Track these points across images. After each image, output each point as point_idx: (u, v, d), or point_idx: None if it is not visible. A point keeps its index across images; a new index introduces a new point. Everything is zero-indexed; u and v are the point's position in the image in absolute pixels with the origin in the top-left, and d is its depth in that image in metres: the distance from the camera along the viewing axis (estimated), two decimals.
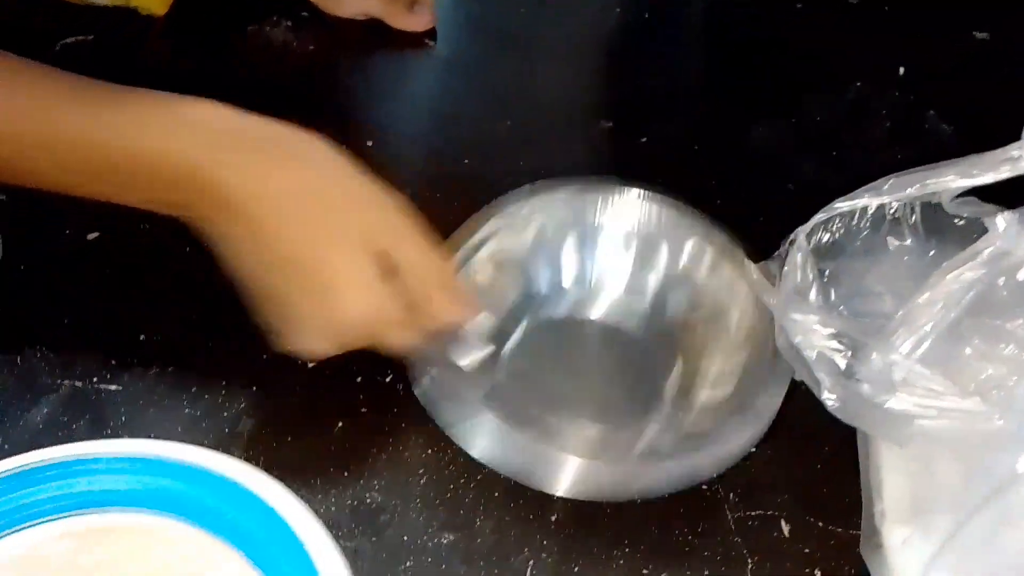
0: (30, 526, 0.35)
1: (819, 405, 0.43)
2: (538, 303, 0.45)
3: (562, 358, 0.44)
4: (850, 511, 0.42)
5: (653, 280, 0.45)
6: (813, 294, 0.34)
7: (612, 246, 0.45)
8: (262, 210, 0.35)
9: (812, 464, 0.45)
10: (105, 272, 0.48)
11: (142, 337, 0.45)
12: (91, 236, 0.49)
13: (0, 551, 0.34)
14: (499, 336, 0.43)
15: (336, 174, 0.37)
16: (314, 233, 0.36)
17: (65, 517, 0.36)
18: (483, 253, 0.43)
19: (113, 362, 0.44)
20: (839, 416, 0.35)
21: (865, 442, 0.38)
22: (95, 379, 0.43)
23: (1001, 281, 0.31)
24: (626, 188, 0.45)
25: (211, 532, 0.35)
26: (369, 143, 0.58)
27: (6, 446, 0.41)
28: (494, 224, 0.44)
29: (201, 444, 0.37)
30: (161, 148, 0.35)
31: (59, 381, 0.43)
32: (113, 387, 0.43)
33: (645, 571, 0.38)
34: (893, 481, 0.37)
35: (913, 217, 0.37)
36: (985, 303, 0.32)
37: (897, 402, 0.32)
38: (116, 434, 0.41)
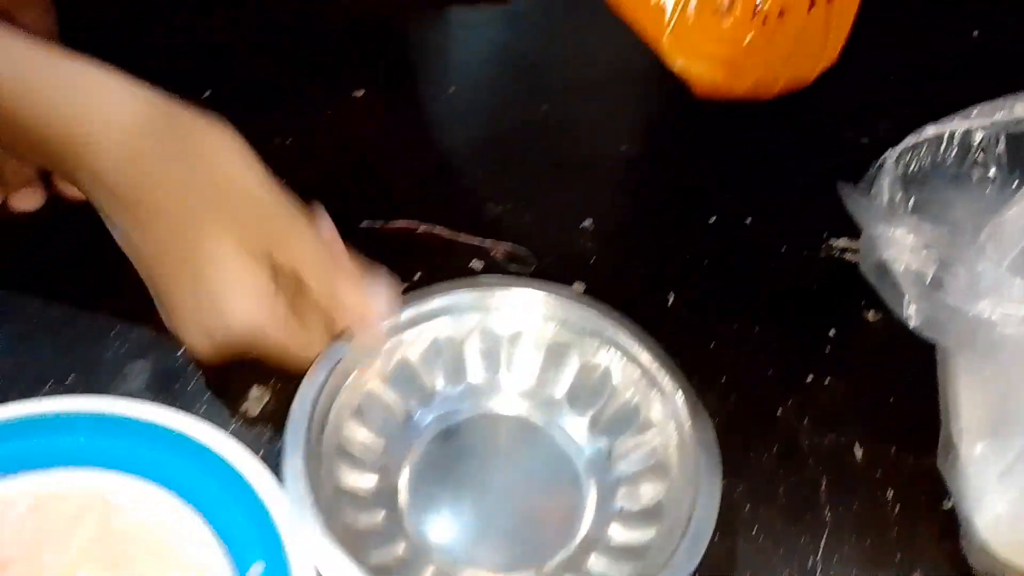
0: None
1: (890, 336, 0.46)
2: (441, 405, 0.44)
3: (472, 467, 0.42)
4: (921, 436, 0.44)
5: (562, 375, 0.44)
6: (902, 211, 0.36)
7: (517, 342, 0.45)
8: (144, 200, 0.35)
9: (884, 392, 0.48)
10: None
11: None
12: None
13: None
14: (399, 451, 0.42)
15: (231, 169, 0.36)
16: (199, 229, 0.35)
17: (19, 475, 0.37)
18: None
19: None
20: (922, 331, 0.38)
21: (944, 362, 0.40)
22: None
23: None
24: (538, 284, 0.45)
25: (163, 487, 0.37)
26: (451, 89, 0.62)
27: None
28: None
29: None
30: (48, 115, 0.35)
31: None
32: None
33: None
34: (971, 399, 0.39)
35: (999, 148, 0.39)
36: None
37: (983, 310, 0.34)
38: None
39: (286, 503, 0.37)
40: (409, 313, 0.44)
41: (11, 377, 0.43)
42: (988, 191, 0.39)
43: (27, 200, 0.50)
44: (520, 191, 0.57)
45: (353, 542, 0.36)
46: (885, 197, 0.37)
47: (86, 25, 0.54)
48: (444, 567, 0.39)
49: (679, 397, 0.42)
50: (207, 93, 0.58)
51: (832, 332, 0.51)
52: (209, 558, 0.36)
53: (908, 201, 0.39)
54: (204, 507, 0.37)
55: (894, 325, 0.50)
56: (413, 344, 0.44)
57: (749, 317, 0.52)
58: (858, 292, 0.52)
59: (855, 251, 0.53)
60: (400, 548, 0.39)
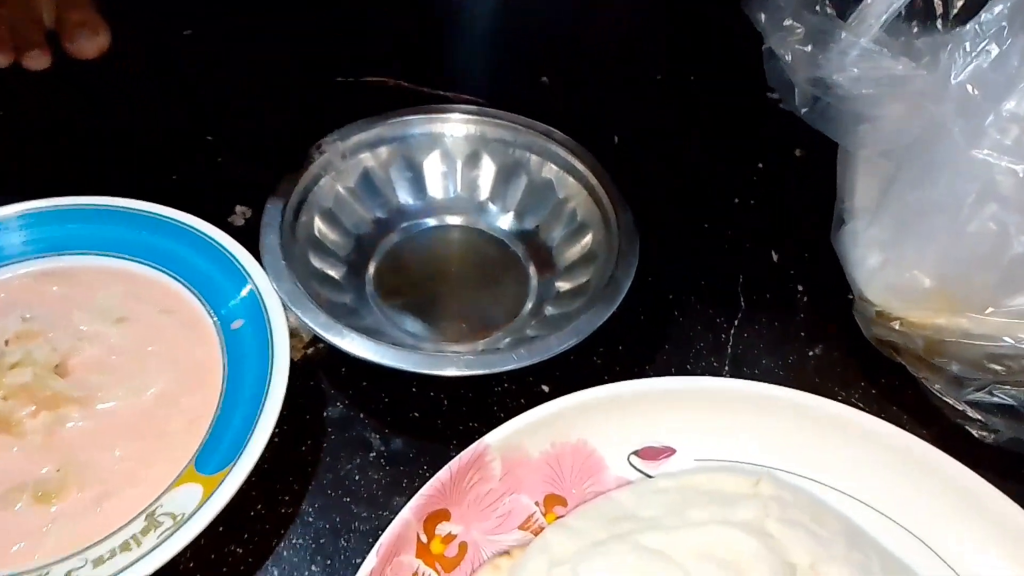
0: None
1: (813, 168, 0.51)
2: (404, 215, 0.50)
3: (430, 266, 0.48)
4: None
5: (514, 189, 0.50)
6: (790, 7, 0.41)
7: (472, 161, 0.51)
8: None
9: (802, 214, 0.54)
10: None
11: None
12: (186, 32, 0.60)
13: None
14: (366, 248, 0.48)
15: None
16: None
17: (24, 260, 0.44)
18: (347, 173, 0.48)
19: None
20: (808, 120, 0.43)
21: (842, 152, 0.46)
22: None
23: None
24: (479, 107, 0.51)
25: (161, 268, 0.44)
26: None
27: None
28: (352, 145, 0.49)
29: None
30: None
31: None
32: None
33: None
34: (862, 181, 0.44)
35: None
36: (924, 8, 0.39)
37: (849, 80, 0.39)
38: None
39: (258, 265, 0.43)
40: (374, 132, 0.50)
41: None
42: None
43: (37, 60, 0.57)
44: (482, 52, 0.63)
45: (324, 311, 0.43)
46: (778, 1, 0.42)
47: None
48: (402, 337, 0.45)
49: (607, 199, 0.48)
50: None
51: (760, 165, 0.57)
52: (199, 313, 0.43)
53: (797, 6, 0.44)
54: (193, 280, 0.44)
55: (817, 158, 0.56)
56: (378, 160, 0.50)
57: (688, 151, 0.58)
58: (789, 134, 0.58)
59: None
60: (367, 320, 0.45)
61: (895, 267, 0.41)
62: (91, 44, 0.58)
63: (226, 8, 0.63)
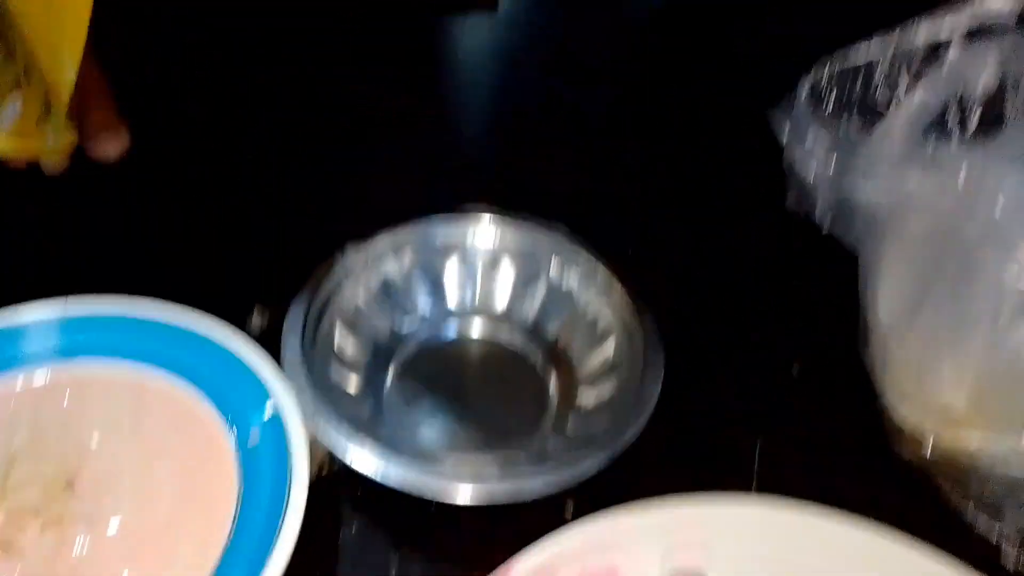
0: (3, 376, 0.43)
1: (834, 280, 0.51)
2: (423, 323, 0.49)
3: (448, 377, 0.48)
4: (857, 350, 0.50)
5: (532, 297, 0.50)
6: (813, 125, 0.42)
7: (492, 269, 0.50)
8: None
9: (816, 317, 0.53)
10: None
11: None
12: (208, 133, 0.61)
13: None
14: (383, 360, 0.47)
15: None
16: None
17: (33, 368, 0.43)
18: (366, 281, 0.48)
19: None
20: (835, 232, 0.43)
21: (864, 260, 0.45)
22: None
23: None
24: (499, 214, 0.51)
25: (175, 375, 0.43)
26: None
27: None
28: (373, 253, 0.48)
29: None
30: None
31: None
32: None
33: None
34: (885, 289, 0.44)
35: (900, 76, 0.45)
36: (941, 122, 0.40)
37: (872, 197, 0.39)
38: None
39: (282, 383, 0.42)
40: (399, 238, 0.50)
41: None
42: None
43: (109, 146, 0.57)
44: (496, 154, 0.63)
45: (343, 425, 0.42)
46: (799, 118, 0.43)
47: None
48: (421, 450, 0.44)
49: (629, 308, 0.47)
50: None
51: (779, 273, 0.57)
52: (215, 428, 0.42)
53: (819, 123, 0.45)
54: (211, 390, 0.43)
55: (838, 268, 0.56)
56: (401, 265, 0.50)
57: (703, 261, 0.57)
58: (809, 244, 0.58)
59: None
60: (383, 433, 0.44)
61: (928, 385, 0.41)
62: (112, 145, 0.58)
63: (250, 109, 0.64)
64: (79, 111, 0.59)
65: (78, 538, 0.37)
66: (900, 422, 0.42)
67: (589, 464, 0.40)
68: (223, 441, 0.41)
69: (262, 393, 0.41)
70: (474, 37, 0.76)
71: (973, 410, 0.40)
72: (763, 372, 0.50)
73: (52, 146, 0.55)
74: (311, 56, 0.69)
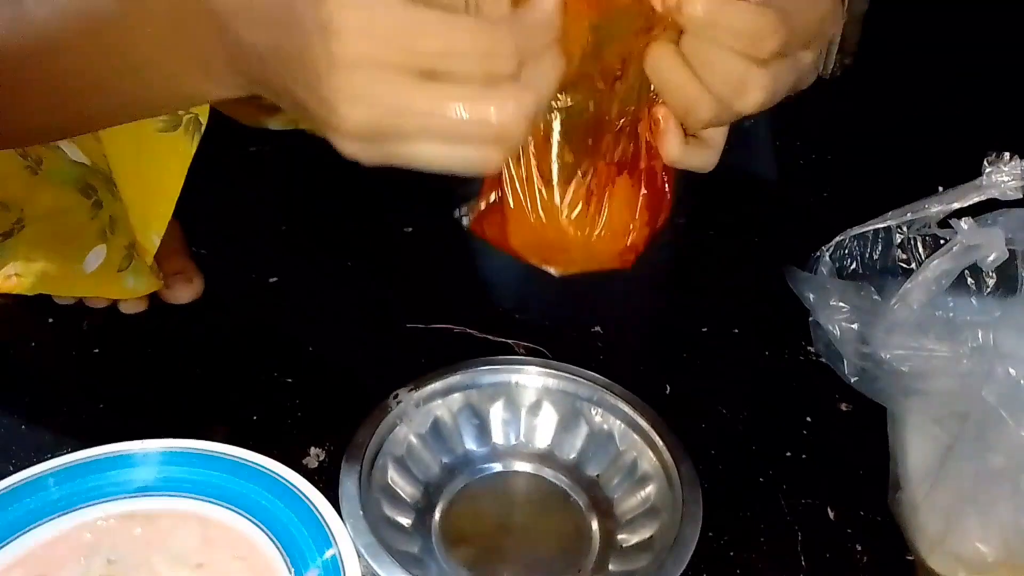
0: (80, 508, 0.45)
1: (860, 421, 0.54)
2: (470, 461, 0.52)
3: (492, 513, 0.50)
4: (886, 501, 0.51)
5: (574, 438, 0.52)
6: (837, 288, 0.46)
7: (535, 411, 0.53)
8: None
9: (853, 466, 0.55)
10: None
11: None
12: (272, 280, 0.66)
13: (57, 526, 0.45)
14: (433, 495, 0.50)
15: None
16: None
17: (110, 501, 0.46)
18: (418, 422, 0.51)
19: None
20: (860, 387, 0.46)
21: (892, 415, 0.48)
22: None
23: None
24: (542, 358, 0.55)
25: (238, 511, 0.45)
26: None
27: None
28: (429, 391, 0.52)
29: None
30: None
31: None
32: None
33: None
34: (914, 444, 0.46)
35: (917, 244, 0.49)
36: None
37: (895, 357, 0.43)
38: None
39: (341, 523, 0.45)
40: (446, 382, 0.53)
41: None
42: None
43: (135, 305, 0.62)
44: (539, 302, 0.67)
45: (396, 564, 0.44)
46: (823, 281, 0.47)
47: None
48: None
49: (668, 452, 0.50)
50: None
51: (808, 419, 0.59)
52: (277, 568, 0.44)
53: (842, 288, 0.48)
54: (272, 526, 0.46)
55: (862, 413, 0.59)
56: (449, 408, 0.53)
57: (734, 403, 0.60)
58: (833, 389, 0.61)
59: None
60: (432, 570, 0.46)
61: (957, 537, 0.42)
62: (186, 291, 0.63)
63: (306, 259, 0.69)
64: (156, 259, 0.65)
65: None
66: (931, 572, 0.44)
67: None
68: (283, 573, 0.43)
69: (322, 533, 0.44)
70: None
71: (1002, 560, 0.41)
72: (798, 517, 0.52)
73: (132, 289, 0.60)
74: (366, 194, 0.75)
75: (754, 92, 0.37)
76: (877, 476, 0.52)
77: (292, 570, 0.44)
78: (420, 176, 0.34)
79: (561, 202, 0.43)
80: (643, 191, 0.43)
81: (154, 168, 0.52)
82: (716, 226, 0.69)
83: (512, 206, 0.43)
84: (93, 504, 0.47)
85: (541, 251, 0.45)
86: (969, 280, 0.46)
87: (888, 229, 0.48)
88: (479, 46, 0.31)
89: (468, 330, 0.63)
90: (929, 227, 0.48)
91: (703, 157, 0.40)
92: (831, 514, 0.52)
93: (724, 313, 0.68)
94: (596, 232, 0.44)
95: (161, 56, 0.37)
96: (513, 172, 0.42)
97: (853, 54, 0.88)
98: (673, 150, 0.40)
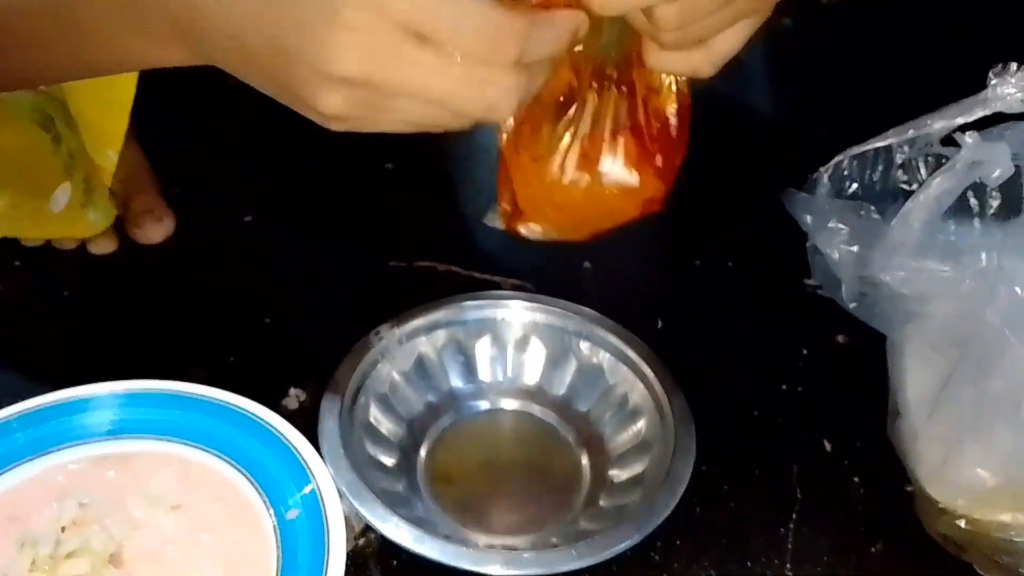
0: (57, 450, 0.43)
1: (858, 353, 0.52)
2: (456, 399, 0.50)
3: (480, 451, 0.49)
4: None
5: (563, 373, 0.51)
6: (835, 209, 0.44)
7: (522, 346, 0.52)
8: None
9: (849, 398, 0.54)
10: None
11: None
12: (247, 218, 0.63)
13: (29, 470, 0.43)
14: (417, 433, 0.48)
15: None
16: None
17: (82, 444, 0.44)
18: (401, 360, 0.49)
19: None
20: (858, 313, 0.44)
21: (892, 344, 0.46)
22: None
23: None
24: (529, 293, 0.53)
25: (214, 452, 0.43)
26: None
27: None
28: (412, 327, 0.50)
29: None
30: None
31: None
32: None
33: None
34: (914, 373, 0.45)
35: (919, 164, 0.47)
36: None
37: (895, 280, 0.41)
38: None
39: (320, 460, 0.43)
40: (429, 318, 0.51)
41: None
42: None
43: (103, 245, 0.60)
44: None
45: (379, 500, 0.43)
46: (821, 203, 0.45)
47: None
48: (455, 524, 0.44)
49: (660, 386, 0.48)
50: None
51: (804, 351, 0.58)
52: (255, 503, 0.43)
53: (841, 208, 0.46)
54: (250, 467, 0.44)
55: (860, 345, 0.57)
56: (433, 345, 0.51)
57: (730, 336, 0.58)
58: (830, 321, 0.59)
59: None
60: (418, 510, 0.45)
61: (957, 464, 0.41)
62: (157, 230, 0.61)
63: (284, 196, 0.67)
64: (125, 197, 0.62)
65: None
66: (931, 500, 0.43)
67: (623, 540, 0.40)
68: (263, 515, 0.42)
69: (300, 470, 0.42)
70: None
71: (1001, 486, 0.40)
72: (794, 451, 0.51)
73: (95, 223, 0.58)
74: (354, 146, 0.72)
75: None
76: (874, 409, 0.50)
77: (272, 509, 0.42)
78: None
79: (562, 174, 0.43)
80: (650, 140, 0.43)
81: (104, 80, 0.50)
82: (710, 152, 0.66)
83: (522, 194, 0.44)
84: (64, 447, 0.45)
85: (567, 225, 0.46)
86: (973, 202, 0.44)
87: (889, 149, 0.46)
88: (487, 30, 0.31)
89: (453, 268, 0.61)
90: (932, 145, 0.46)
91: (686, 62, 0.38)
92: (827, 447, 0.51)
93: (718, 245, 0.66)
94: (609, 190, 0.44)
95: (102, 17, 0.36)
96: (510, 162, 0.43)
97: None
98: (650, 56, 0.39)
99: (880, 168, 0.47)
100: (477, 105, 0.32)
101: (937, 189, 0.41)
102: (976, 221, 0.46)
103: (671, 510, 0.42)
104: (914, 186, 0.47)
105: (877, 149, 0.46)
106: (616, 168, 0.43)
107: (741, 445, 0.51)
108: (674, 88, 0.43)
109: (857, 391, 0.54)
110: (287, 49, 0.32)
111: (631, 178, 0.44)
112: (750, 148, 0.72)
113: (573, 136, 0.42)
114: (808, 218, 0.44)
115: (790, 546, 0.46)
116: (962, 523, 0.41)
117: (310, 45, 0.31)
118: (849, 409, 0.53)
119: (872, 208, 0.43)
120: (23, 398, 0.46)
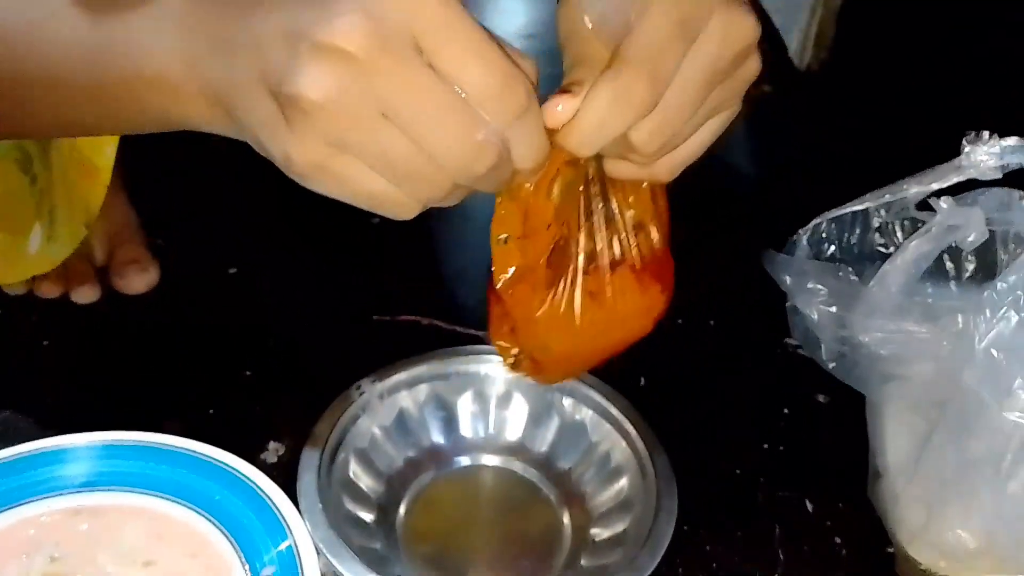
0: (30, 501, 0.42)
1: (837, 413, 0.52)
2: (436, 455, 0.50)
3: (460, 508, 0.48)
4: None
5: (545, 430, 0.50)
6: (814, 270, 0.44)
7: (505, 402, 0.51)
8: None
9: (831, 457, 0.54)
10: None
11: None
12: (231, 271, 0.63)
13: (6, 519, 0.41)
14: (397, 489, 0.48)
15: None
16: None
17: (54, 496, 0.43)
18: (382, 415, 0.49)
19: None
20: (837, 374, 0.45)
21: (871, 406, 0.46)
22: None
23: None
24: None
25: (189, 506, 0.42)
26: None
27: None
28: (394, 382, 0.49)
29: None
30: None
31: None
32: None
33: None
34: (894, 435, 0.45)
35: (896, 228, 0.48)
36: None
37: (874, 341, 0.41)
38: None
39: (298, 515, 0.42)
40: (412, 373, 0.51)
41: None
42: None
43: (86, 295, 0.59)
44: None
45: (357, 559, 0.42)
46: (800, 264, 0.45)
47: None
48: None
49: (642, 444, 0.48)
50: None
51: (786, 410, 0.58)
52: (231, 563, 0.42)
53: (819, 269, 0.47)
54: (226, 521, 0.43)
55: (841, 404, 0.58)
56: (415, 400, 0.51)
57: (711, 396, 0.59)
58: (810, 380, 0.59)
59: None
60: (395, 567, 0.44)
61: (938, 527, 0.41)
62: (140, 280, 0.61)
63: (268, 249, 0.67)
64: (110, 247, 0.62)
65: None
66: (912, 561, 0.42)
67: None
68: (237, 571, 0.41)
69: (277, 526, 0.42)
70: None
71: (983, 549, 0.40)
72: (776, 511, 0.50)
73: (60, 251, 0.57)
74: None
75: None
76: (855, 468, 0.50)
77: (247, 565, 0.41)
78: None
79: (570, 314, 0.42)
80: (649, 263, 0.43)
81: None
82: (691, 215, 0.68)
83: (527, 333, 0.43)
84: (36, 500, 0.44)
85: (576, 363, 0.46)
86: (949, 265, 0.45)
87: (866, 212, 0.47)
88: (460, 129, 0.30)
89: (436, 322, 0.61)
90: (908, 210, 0.47)
91: (647, 171, 0.39)
92: (809, 507, 0.51)
93: (700, 304, 0.67)
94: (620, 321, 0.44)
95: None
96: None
97: (829, 48, 0.88)
98: (610, 166, 0.39)
99: (858, 231, 0.48)
100: (431, 193, 0.32)
101: (914, 252, 0.42)
102: (952, 284, 0.47)
103: (652, 570, 0.41)
104: (891, 249, 0.48)
105: (855, 212, 0.47)
106: (624, 298, 0.43)
107: (723, 504, 0.51)
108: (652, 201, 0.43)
109: (838, 450, 0.54)
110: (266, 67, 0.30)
111: (641, 303, 0.44)
112: (731, 210, 0.73)
113: (573, 279, 0.41)
114: (787, 279, 0.45)
115: None
116: None
117: (285, 69, 0.30)
118: (831, 469, 0.53)
119: (850, 270, 0.44)
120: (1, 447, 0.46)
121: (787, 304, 0.48)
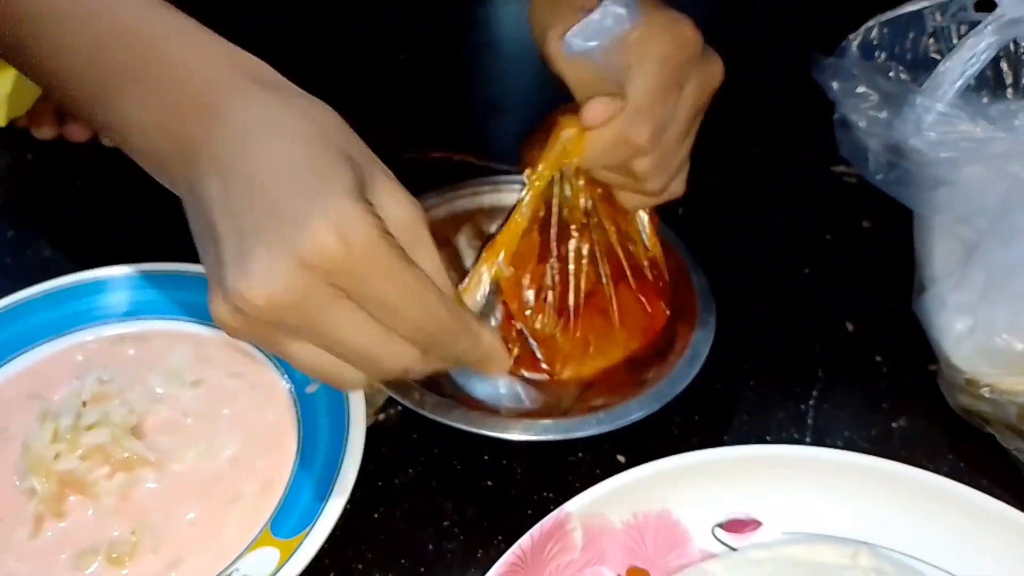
0: (76, 330, 0.44)
1: (881, 240, 0.51)
2: None
3: None
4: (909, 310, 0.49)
5: None
6: (864, 74, 0.42)
7: None
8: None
9: (872, 281, 0.53)
10: None
11: None
12: None
13: (48, 349, 0.44)
14: None
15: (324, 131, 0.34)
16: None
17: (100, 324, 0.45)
18: None
19: None
20: (883, 187, 0.43)
21: (919, 219, 0.45)
22: None
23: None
24: None
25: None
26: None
27: None
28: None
29: None
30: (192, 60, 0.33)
31: None
32: None
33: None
34: (940, 246, 0.44)
35: (947, 29, 0.45)
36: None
37: (926, 144, 0.39)
38: None
39: None
40: (447, 207, 0.50)
41: None
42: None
43: (80, 133, 0.59)
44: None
45: None
46: (850, 68, 0.43)
47: None
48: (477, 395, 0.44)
49: (682, 264, 0.47)
50: None
51: (828, 236, 0.57)
52: (275, 381, 0.43)
53: (870, 72, 0.44)
54: None
55: (885, 229, 0.56)
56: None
57: (753, 221, 0.57)
58: (854, 207, 0.58)
59: (851, 175, 0.60)
60: (440, 379, 0.45)
61: (985, 331, 0.40)
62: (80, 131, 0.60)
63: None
64: None
65: (147, 479, 0.39)
66: (955, 371, 0.42)
67: (640, 409, 0.40)
68: (281, 389, 0.42)
69: None
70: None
71: None
72: (816, 331, 0.50)
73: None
74: (360, 18, 0.71)
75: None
76: (897, 292, 0.49)
77: (291, 384, 0.42)
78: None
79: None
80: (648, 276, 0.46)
81: None
82: (738, 25, 0.64)
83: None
84: (81, 328, 0.45)
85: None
86: (1005, 71, 0.42)
87: (920, 15, 0.44)
88: (420, 316, 0.31)
89: (468, 158, 0.60)
90: (966, 11, 0.44)
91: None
92: (850, 327, 0.51)
93: (744, 129, 0.64)
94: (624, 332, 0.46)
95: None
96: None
97: None
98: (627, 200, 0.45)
99: (911, 36, 0.45)
100: (376, 371, 0.31)
101: (970, 50, 0.39)
102: (1009, 91, 0.44)
103: (690, 381, 0.42)
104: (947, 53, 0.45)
105: (909, 14, 0.44)
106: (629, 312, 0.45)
107: (763, 325, 0.50)
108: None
109: (881, 275, 0.53)
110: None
111: (644, 315, 0.46)
112: (779, 15, 0.69)
113: (576, 298, 0.44)
114: (835, 85, 0.42)
115: (810, 422, 0.45)
116: (987, 392, 0.41)
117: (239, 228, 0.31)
118: (872, 292, 0.52)
119: (902, 68, 0.41)
120: (42, 280, 0.47)
121: (835, 116, 0.46)
